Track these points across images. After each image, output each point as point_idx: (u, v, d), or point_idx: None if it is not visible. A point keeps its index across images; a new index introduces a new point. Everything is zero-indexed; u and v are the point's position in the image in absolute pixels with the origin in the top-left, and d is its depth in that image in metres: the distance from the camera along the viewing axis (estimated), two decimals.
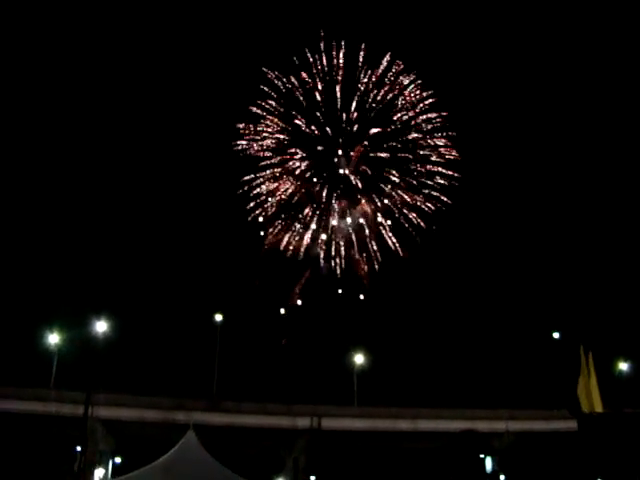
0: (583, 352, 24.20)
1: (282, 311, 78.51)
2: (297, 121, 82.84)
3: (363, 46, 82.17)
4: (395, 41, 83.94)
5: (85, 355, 42.70)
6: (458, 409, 53.65)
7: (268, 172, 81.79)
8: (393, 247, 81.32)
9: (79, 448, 42.52)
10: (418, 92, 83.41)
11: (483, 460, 52.60)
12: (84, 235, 76.22)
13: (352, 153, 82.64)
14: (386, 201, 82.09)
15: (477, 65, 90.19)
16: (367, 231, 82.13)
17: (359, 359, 57.92)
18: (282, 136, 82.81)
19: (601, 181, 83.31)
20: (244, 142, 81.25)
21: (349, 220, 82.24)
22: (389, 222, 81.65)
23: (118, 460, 52.94)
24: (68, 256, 73.83)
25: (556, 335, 61.07)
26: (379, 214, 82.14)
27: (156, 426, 48.35)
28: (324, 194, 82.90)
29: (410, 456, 53.67)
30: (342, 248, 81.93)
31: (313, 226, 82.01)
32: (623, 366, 55.92)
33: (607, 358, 48.83)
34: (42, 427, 47.95)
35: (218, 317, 56.91)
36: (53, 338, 52.08)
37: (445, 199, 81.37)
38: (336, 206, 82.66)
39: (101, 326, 42.66)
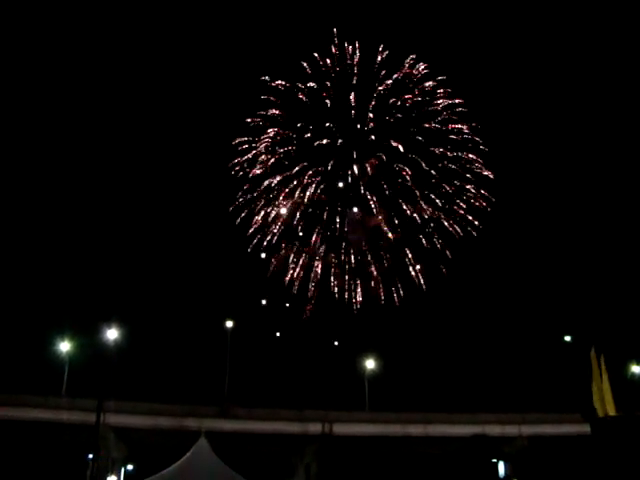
0: (595, 355, 24.04)
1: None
2: (307, 134, 75.15)
3: (381, 48, 75.17)
4: (419, 41, 76.21)
5: (96, 362, 42.94)
6: (469, 413, 53.36)
7: (272, 191, 75.32)
8: (414, 274, 75.29)
9: (91, 456, 42.77)
10: (445, 100, 75.28)
11: (496, 465, 52.34)
12: (96, 244, 76.88)
13: (366, 165, 74.77)
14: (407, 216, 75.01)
15: (515, 71, 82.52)
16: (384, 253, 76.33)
17: (370, 364, 57.86)
18: (289, 149, 75.60)
19: (613, 186, 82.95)
20: (247, 157, 75.14)
21: (363, 235, 75.75)
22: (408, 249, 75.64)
23: (130, 467, 53.16)
24: (79, 264, 74.42)
25: (568, 338, 60.88)
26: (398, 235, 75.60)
27: (167, 433, 48.36)
28: (337, 211, 75.70)
29: (421, 461, 53.37)
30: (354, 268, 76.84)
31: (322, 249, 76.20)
32: (636, 369, 55.59)
33: (619, 361, 48.66)
34: (54, 435, 48.07)
35: (229, 323, 56.98)
36: (64, 346, 52.44)
37: (475, 221, 75.05)
38: (349, 222, 75.65)
39: (112, 333, 42.88)
